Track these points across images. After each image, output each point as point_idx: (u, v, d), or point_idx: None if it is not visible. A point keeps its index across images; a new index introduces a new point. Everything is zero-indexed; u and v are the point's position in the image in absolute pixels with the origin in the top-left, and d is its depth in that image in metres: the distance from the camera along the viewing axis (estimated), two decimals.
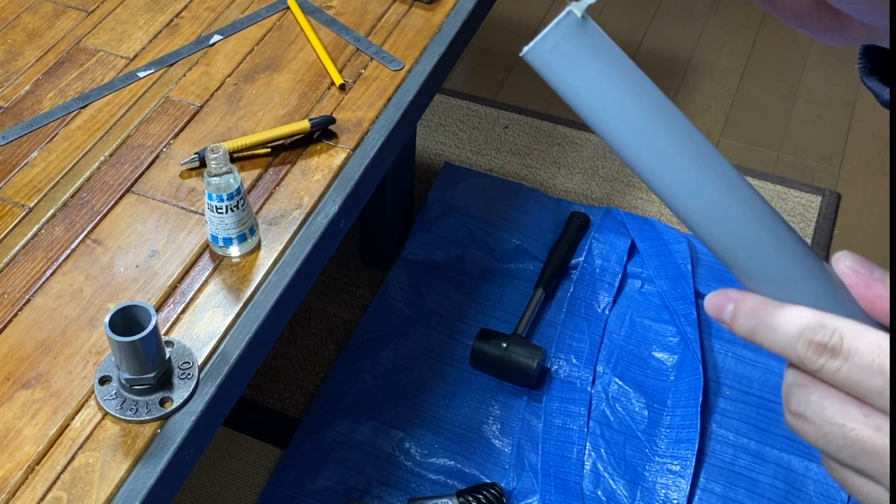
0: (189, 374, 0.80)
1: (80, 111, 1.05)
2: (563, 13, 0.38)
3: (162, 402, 0.78)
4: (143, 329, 0.73)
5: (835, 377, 0.36)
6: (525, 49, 0.38)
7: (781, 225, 0.39)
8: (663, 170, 0.39)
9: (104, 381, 0.80)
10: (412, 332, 1.56)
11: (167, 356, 0.78)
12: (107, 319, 0.73)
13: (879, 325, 0.38)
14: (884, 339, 0.35)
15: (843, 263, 0.38)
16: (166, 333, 0.85)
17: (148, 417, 0.77)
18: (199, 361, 0.82)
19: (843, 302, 0.39)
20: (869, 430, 0.36)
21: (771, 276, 0.39)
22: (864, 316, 0.39)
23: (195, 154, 0.99)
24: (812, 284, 0.39)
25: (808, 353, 0.37)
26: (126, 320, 0.74)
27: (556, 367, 1.50)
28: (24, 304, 0.86)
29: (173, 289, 0.88)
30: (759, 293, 0.40)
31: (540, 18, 2.35)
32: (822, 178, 1.88)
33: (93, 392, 0.80)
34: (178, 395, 0.79)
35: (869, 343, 0.35)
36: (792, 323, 0.37)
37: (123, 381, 0.77)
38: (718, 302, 0.40)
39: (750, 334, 0.39)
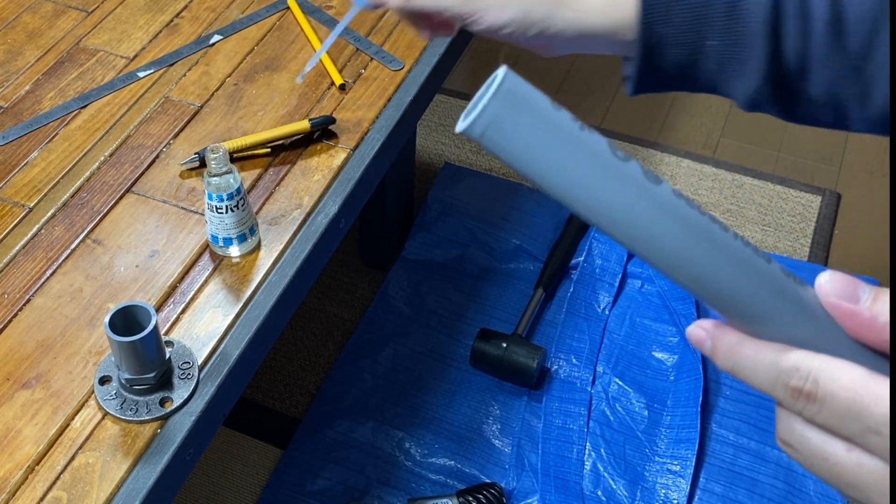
0: (189, 374, 0.80)
1: (80, 111, 1.05)
2: (495, 79, 0.36)
3: (162, 402, 0.78)
4: (143, 329, 0.73)
5: (815, 420, 0.36)
6: (461, 125, 0.36)
7: (751, 259, 0.37)
8: (617, 218, 0.37)
9: (104, 381, 0.80)
10: (412, 332, 1.56)
11: (167, 356, 0.78)
12: (107, 319, 0.73)
13: (868, 351, 0.37)
14: (862, 378, 0.35)
15: (825, 292, 0.37)
16: (166, 333, 0.85)
17: (148, 417, 0.77)
18: (199, 361, 0.82)
19: (825, 332, 0.37)
20: (851, 465, 0.35)
21: (746, 313, 0.38)
22: (848, 344, 0.37)
23: (195, 154, 0.99)
24: (792, 317, 0.37)
25: (787, 397, 0.36)
26: (126, 320, 0.74)
27: (556, 367, 1.51)
28: (24, 304, 0.86)
29: (173, 289, 0.88)
30: (738, 328, 0.39)
31: None
32: (822, 178, 1.88)
33: (93, 392, 0.80)
34: (178, 395, 0.79)
35: (844, 387, 0.35)
36: (768, 365, 0.37)
37: (123, 381, 0.77)
38: (697, 337, 0.39)
39: (730, 371, 0.38)
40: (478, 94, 0.37)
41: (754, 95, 0.60)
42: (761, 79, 0.59)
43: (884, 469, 0.34)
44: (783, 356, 0.36)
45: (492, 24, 0.59)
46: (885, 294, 0.36)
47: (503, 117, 0.36)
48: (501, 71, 0.37)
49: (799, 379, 0.36)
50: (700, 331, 0.39)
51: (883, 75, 0.58)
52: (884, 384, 0.34)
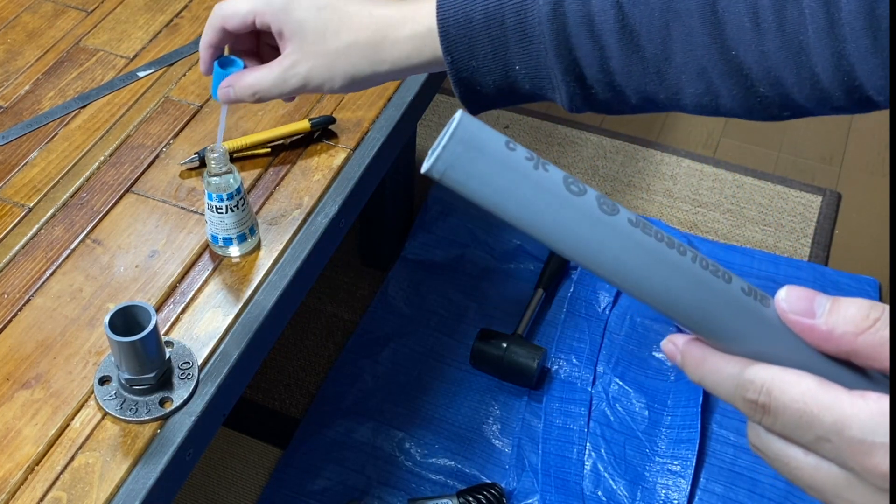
0: (189, 374, 0.80)
1: (80, 111, 1.05)
2: (452, 122, 0.39)
3: (162, 403, 0.78)
4: (142, 329, 0.73)
5: (773, 429, 0.39)
6: (425, 166, 0.39)
7: (709, 280, 0.39)
8: (574, 248, 0.40)
9: (104, 381, 0.79)
10: (412, 332, 1.56)
11: (167, 356, 0.78)
12: (106, 319, 0.73)
13: (829, 361, 0.39)
14: (811, 389, 0.37)
15: (783, 309, 0.39)
16: (166, 333, 0.84)
17: (147, 418, 0.77)
18: (199, 361, 0.82)
19: (786, 345, 0.39)
20: (809, 468, 0.38)
21: (708, 331, 0.40)
22: (809, 355, 0.39)
23: (195, 154, 0.99)
24: (752, 334, 0.39)
25: (746, 408, 0.39)
26: (126, 320, 0.74)
27: (556, 367, 1.50)
28: (24, 305, 0.86)
29: (173, 289, 0.88)
30: (705, 342, 0.41)
31: None
32: (823, 177, 1.88)
33: (92, 392, 0.79)
34: (178, 395, 0.78)
35: (794, 399, 0.37)
36: (729, 378, 0.40)
37: (123, 382, 0.77)
38: (669, 351, 0.42)
39: (699, 384, 0.41)
40: (440, 135, 0.40)
41: (573, 103, 0.63)
42: (571, 91, 0.62)
43: (837, 472, 0.37)
44: (738, 368, 0.39)
45: (330, 92, 0.68)
46: (841, 304, 0.38)
47: (459, 160, 0.39)
48: (457, 115, 0.40)
49: (754, 392, 0.38)
50: (670, 345, 0.42)
51: (686, 77, 0.59)
52: (833, 393, 0.37)
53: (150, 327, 0.73)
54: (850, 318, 0.38)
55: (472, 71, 0.63)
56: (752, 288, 0.40)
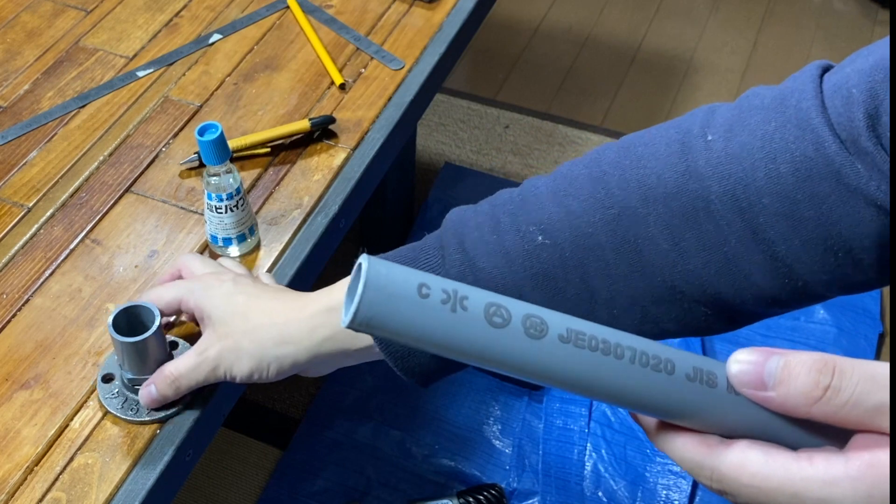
0: None
1: (80, 111, 1.05)
2: (360, 271, 0.39)
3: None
4: (146, 329, 0.73)
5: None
6: (344, 320, 0.39)
7: (648, 376, 0.41)
8: (512, 371, 0.41)
9: (107, 378, 0.79)
10: None
11: (171, 356, 0.78)
12: (110, 320, 0.73)
13: (787, 422, 0.41)
14: (759, 467, 0.39)
15: (736, 384, 0.41)
16: (168, 333, 0.84)
17: (149, 419, 0.77)
18: None
19: (742, 413, 0.41)
20: None
21: (661, 415, 0.43)
22: (768, 419, 0.41)
23: (195, 154, 0.99)
24: (703, 413, 0.42)
25: (708, 488, 0.42)
26: (129, 320, 0.74)
27: None
28: (23, 305, 0.86)
29: None
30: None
31: (540, 18, 2.35)
32: None
33: (92, 392, 0.79)
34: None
35: (746, 484, 0.39)
36: (686, 461, 0.42)
37: (126, 381, 0.77)
38: (641, 423, 0.45)
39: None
40: (350, 283, 0.40)
41: None
42: None
43: None
44: (693, 455, 0.42)
45: (241, 378, 0.70)
46: (791, 371, 0.38)
47: (374, 311, 0.38)
48: (364, 262, 0.39)
49: (707, 478, 0.41)
50: (642, 418, 0.45)
51: (618, 311, 0.57)
52: (781, 462, 0.39)
53: (154, 328, 0.73)
54: (800, 391, 0.38)
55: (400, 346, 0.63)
56: (697, 370, 0.41)
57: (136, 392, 0.77)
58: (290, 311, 0.69)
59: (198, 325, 0.76)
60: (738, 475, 0.40)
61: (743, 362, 0.40)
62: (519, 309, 0.40)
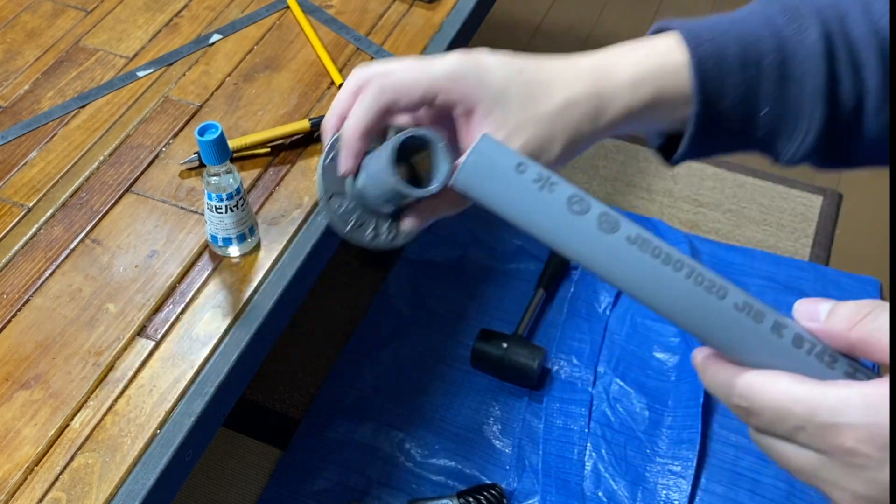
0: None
1: (80, 111, 1.05)
2: (475, 141, 0.48)
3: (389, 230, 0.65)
4: (430, 182, 0.55)
5: (759, 428, 0.43)
6: (451, 179, 0.48)
7: (700, 296, 0.43)
8: (576, 258, 0.46)
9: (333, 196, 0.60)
10: (412, 332, 1.56)
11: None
12: (398, 143, 0.54)
13: (820, 364, 0.43)
14: (786, 387, 0.41)
15: (797, 318, 0.44)
16: (165, 334, 0.84)
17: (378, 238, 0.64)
18: (199, 361, 0.82)
19: (778, 351, 0.44)
20: (792, 456, 0.42)
21: (702, 339, 0.45)
22: (803, 359, 0.42)
23: (195, 154, 0.99)
24: (742, 345, 0.43)
25: (735, 412, 0.44)
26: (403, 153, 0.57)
27: (556, 367, 1.50)
28: (23, 305, 0.86)
29: (173, 289, 0.88)
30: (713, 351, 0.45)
31: (540, 18, 2.35)
32: (824, 177, 1.87)
33: (92, 392, 0.79)
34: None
35: (771, 399, 0.42)
36: (720, 386, 0.44)
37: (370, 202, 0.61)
38: (693, 360, 0.47)
39: (707, 390, 0.46)
40: (466, 151, 0.48)
41: (801, 156, 0.58)
42: (813, 140, 0.56)
43: (814, 456, 0.41)
44: (730, 378, 0.43)
45: (546, 163, 0.57)
46: (841, 305, 0.42)
47: (474, 175, 0.47)
48: (480, 137, 0.48)
49: (736, 397, 0.43)
50: (695, 353, 0.47)
51: None
52: (805, 386, 0.41)
53: (441, 180, 0.54)
54: (844, 316, 0.42)
55: (716, 115, 0.56)
56: (746, 303, 0.43)
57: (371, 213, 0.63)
58: (600, 80, 0.57)
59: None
60: (765, 390, 0.42)
61: (803, 301, 0.44)
62: (599, 206, 0.45)
